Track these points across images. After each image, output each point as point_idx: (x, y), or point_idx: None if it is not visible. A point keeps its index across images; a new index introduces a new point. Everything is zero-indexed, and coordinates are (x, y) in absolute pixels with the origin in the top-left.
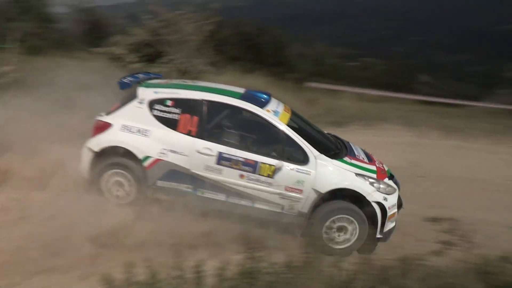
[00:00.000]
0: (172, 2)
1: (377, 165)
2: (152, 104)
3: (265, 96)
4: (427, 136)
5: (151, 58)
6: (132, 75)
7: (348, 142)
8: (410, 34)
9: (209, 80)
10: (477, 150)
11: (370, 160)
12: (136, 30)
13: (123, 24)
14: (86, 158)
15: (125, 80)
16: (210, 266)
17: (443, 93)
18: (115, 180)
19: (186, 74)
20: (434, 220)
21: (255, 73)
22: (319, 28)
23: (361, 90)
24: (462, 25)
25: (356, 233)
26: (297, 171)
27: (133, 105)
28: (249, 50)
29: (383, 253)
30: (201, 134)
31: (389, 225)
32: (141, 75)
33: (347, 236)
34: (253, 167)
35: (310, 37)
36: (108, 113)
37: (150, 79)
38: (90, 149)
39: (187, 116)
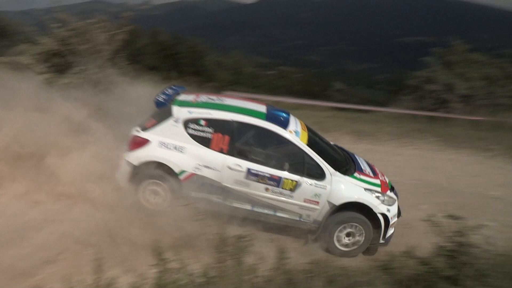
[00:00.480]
0: (83, 11)
1: (380, 178)
2: (186, 123)
3: (285, 115)
4: (340, 140)
5: (61, 69)
6: (163, 93)
7: (354, 155)
8: (323, 43)
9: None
10: (385, 153)
11: (374, 173)
12: (44, 39)
13: (31, 31)
14: (124, 170)
15: (160, 99)
16: None
17: (354, 100)
18: (152, 189)
19: (98, 84)
20: None
21: (173, 82)
22: (236, 38)
23: (278, 98)
24: (371, 36)
25: (362, 238)
26: (315, 186)
27: (169, 123)
28: (166, 59)
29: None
30: (231, 151)
31: (390, 231)
32: (169, 90)
33: (355, 240)
34: (277, 182)
35: (227, 47)
36: (144, 129)
37: (178, 93)
38: (129, 163)
39: (219, 135)
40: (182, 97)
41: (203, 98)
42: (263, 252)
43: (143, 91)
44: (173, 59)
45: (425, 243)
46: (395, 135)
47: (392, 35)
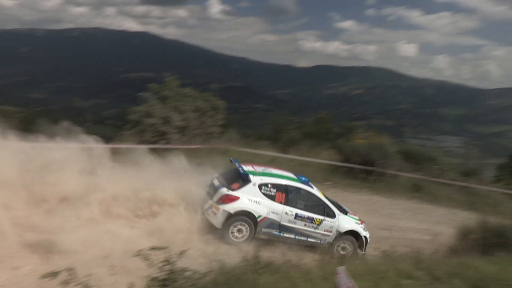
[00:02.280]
0: None
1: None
2: (260, 186)
3: (306, 179)
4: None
5: None
6: (240, 165)
7: (339, 203)
8: (47, 80)
9: None
10: None
11: (354, 213)
12: None
13: None
14: (222, 215)
15: (241, 171)
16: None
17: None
18: (238, 228)
19: None
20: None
21: None
22: None
23: None
24: (97, 72)
25: (352, 250)
26: (330, 222)
27: (249, 186)
28: None
29: None
30: (286, 203)
31: (368, 247)
32: (236, 163)
33: (347, 251)
34: (311, 220)
35: None
36: (232, 190)
37: (240, 165)
38: (227, 211)
39: (279, 193)
40: (248, 168)
41: (259, 168)
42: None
43: None
44: None
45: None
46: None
47: (117, 71)
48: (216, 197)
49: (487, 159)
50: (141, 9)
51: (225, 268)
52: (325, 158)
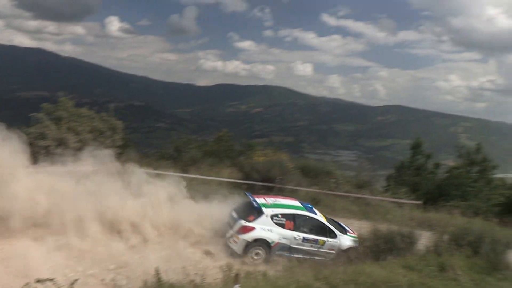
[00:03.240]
0: None
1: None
2: (272, 216)
3: (311, 206)
4: None
5: None
6: (253, 199)
7: (340, 222)
8: None
9: None
10: None
11: (352, 230)
12: None
13: None
14: (242, 243)
15: (255, 204)
16: None
17: None
18: (256, 252)
19: None
20: None
21: None
22: None
23: None
24: None
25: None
26: (333, 242)
27: (263, 218)
28: None
29: None
30: (294, 229)
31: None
32: (250, 196)
33: None
34: (316, 241)
35: None
36: (249, 221)
37: (255, 199)
38: (245, 240)
39: (288, 221)
40: (261, 200)
41: (270, 200)
42: None
43: None
44: None
45: None
46: None
47: (8, 90)
48: (235, 228)
49: (377, 171)
50: (33, 23)
51: None
52: (226, 176)
